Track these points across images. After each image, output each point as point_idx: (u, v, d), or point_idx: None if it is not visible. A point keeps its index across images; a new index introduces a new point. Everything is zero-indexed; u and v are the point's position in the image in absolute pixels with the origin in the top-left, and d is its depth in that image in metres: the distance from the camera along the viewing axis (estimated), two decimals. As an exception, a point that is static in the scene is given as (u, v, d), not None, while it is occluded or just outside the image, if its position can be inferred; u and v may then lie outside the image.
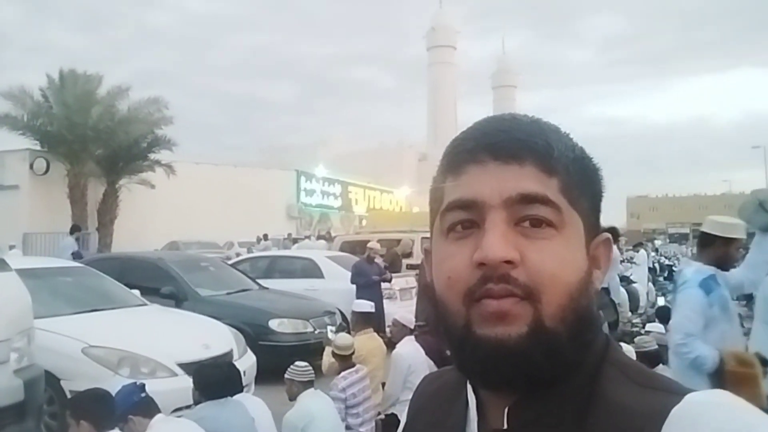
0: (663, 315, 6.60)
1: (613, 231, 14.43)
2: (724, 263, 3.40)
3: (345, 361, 5.12)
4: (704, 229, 3.49)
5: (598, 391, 0.61)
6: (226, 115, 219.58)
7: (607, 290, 11.59)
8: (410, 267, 12.24)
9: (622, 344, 5.08)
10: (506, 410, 0.63)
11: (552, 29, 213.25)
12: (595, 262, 0.66)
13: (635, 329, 8.53)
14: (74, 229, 14.70)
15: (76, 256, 11.51)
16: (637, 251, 14.49)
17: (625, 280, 11.15)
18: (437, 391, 0.80)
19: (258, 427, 3.82)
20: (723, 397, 0.56)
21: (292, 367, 4.53)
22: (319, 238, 22.18)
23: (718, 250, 3.38)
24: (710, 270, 3.35)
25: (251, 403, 4.00)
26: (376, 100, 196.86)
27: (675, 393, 0.58)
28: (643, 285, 12.18)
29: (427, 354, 5.79)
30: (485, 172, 0.62)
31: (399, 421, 4.25)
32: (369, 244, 8.43)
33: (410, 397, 4.04)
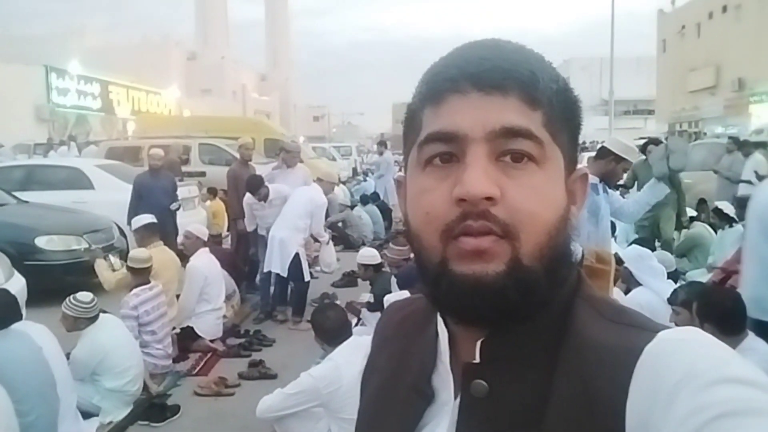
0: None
1: (383, 141, 15.20)
2: (609, 177, 3.86)
3: (141, 275, 4.87)
4: (605, 143, 3.91)
5: (570, 327, 0.62)
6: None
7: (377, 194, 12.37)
8: (189, 174, 11.74)
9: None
10: (479, 344, 0.63)
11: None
12: (573, 198, 0.65)
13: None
14: None
15: None
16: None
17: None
18: (404, 321, 0.79)
19: (46, 355, 3.53)
20: (696, 334, 0.57)
21: (73, 302, 4.13)
22: (62, 144, 19.92)
23: (609, 165, 3.83)
24: (595, 179, 3.76)
25: (35, 331, 3.66)
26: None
27: (647, 330, 0.58)
28: None
29: (222, 266, 5.75)
30: (467, 102, 0.60)
31: (196, 335, 4.30)
32: (151, 152, 7.67)
33: (206, 308, 4.09)
